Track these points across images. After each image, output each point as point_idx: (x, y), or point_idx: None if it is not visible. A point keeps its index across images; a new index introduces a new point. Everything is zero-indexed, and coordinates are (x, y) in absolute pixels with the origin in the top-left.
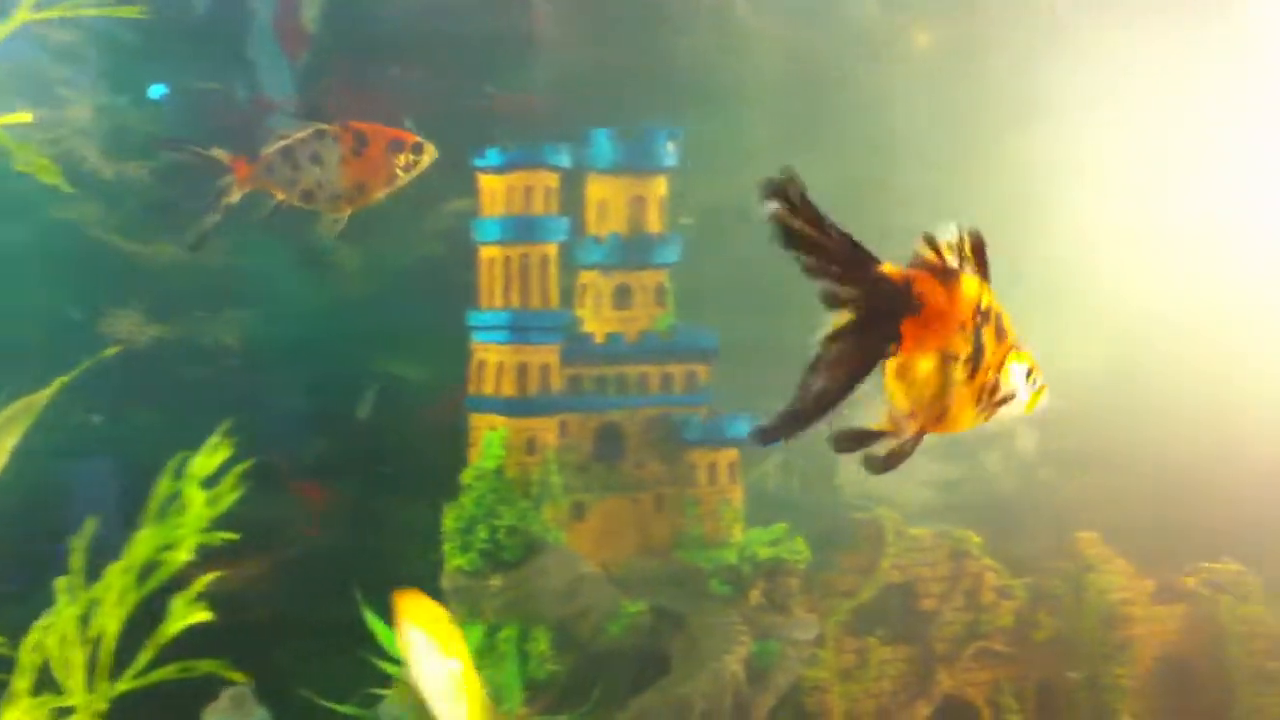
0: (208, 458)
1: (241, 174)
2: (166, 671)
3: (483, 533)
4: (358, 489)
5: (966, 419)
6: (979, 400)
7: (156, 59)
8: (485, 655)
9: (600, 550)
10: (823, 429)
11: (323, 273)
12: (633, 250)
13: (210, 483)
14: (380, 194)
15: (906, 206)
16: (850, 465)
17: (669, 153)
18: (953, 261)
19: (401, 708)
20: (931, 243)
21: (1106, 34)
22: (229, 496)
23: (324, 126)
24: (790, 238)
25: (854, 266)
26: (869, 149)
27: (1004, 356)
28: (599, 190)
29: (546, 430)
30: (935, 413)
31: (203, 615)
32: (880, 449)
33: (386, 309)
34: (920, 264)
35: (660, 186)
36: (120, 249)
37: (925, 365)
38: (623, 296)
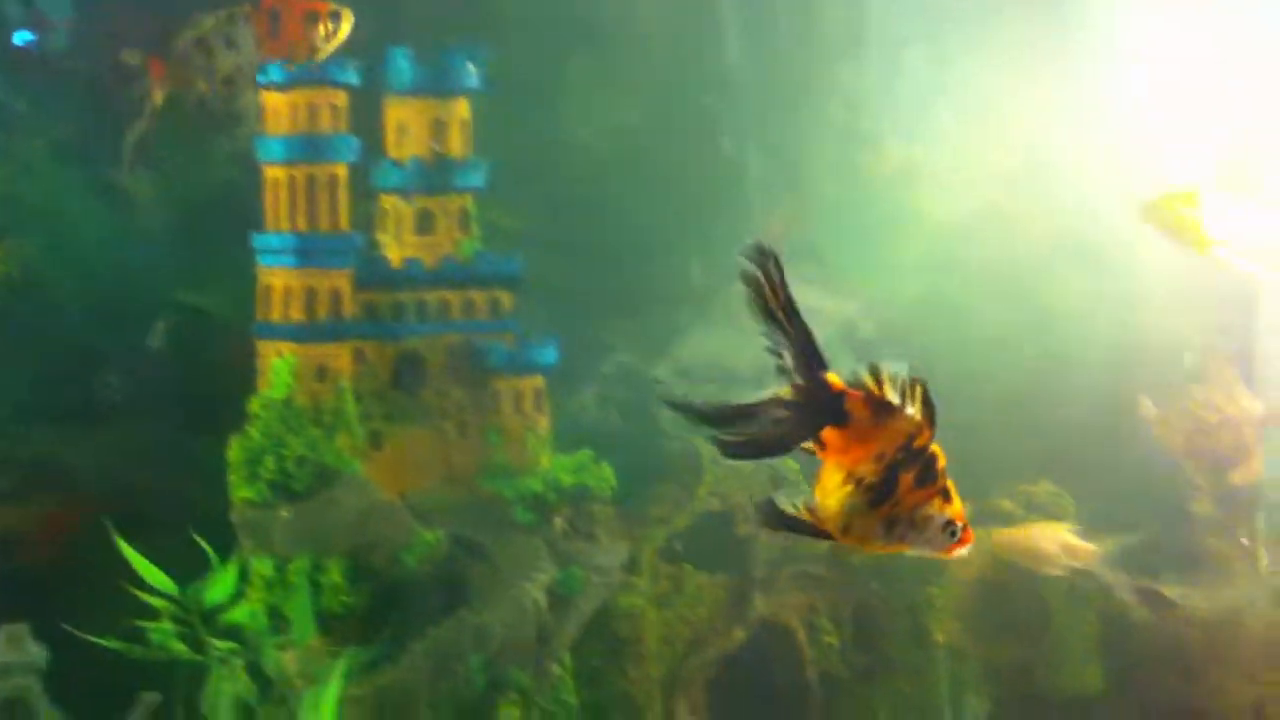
0: None
1: (157, 73)
2: None
3: (270, 463)
4: (150, 422)
5: (869, 542)
6: (883, 530)
7: None
8: (276, 588)
9: (400, 480)
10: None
11: (113, 201)
12: (434, 174)
13: None
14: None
15: (738, 138)
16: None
17: (471, 74)
18: (893, 397)
19: None
20: (875, 373)
21: None
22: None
23: (234, 10)
24: (762, 311)
25: (804, 363)
26: (693, 80)
27: (921, 500)
28: (398, 112)
29: (338, 357)
30: (837, 524)
31: None
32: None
33: (180, 236)
34: (859, 385)
35: (462, 109)
36: None
37: (833, 478)
38: (425, 222)
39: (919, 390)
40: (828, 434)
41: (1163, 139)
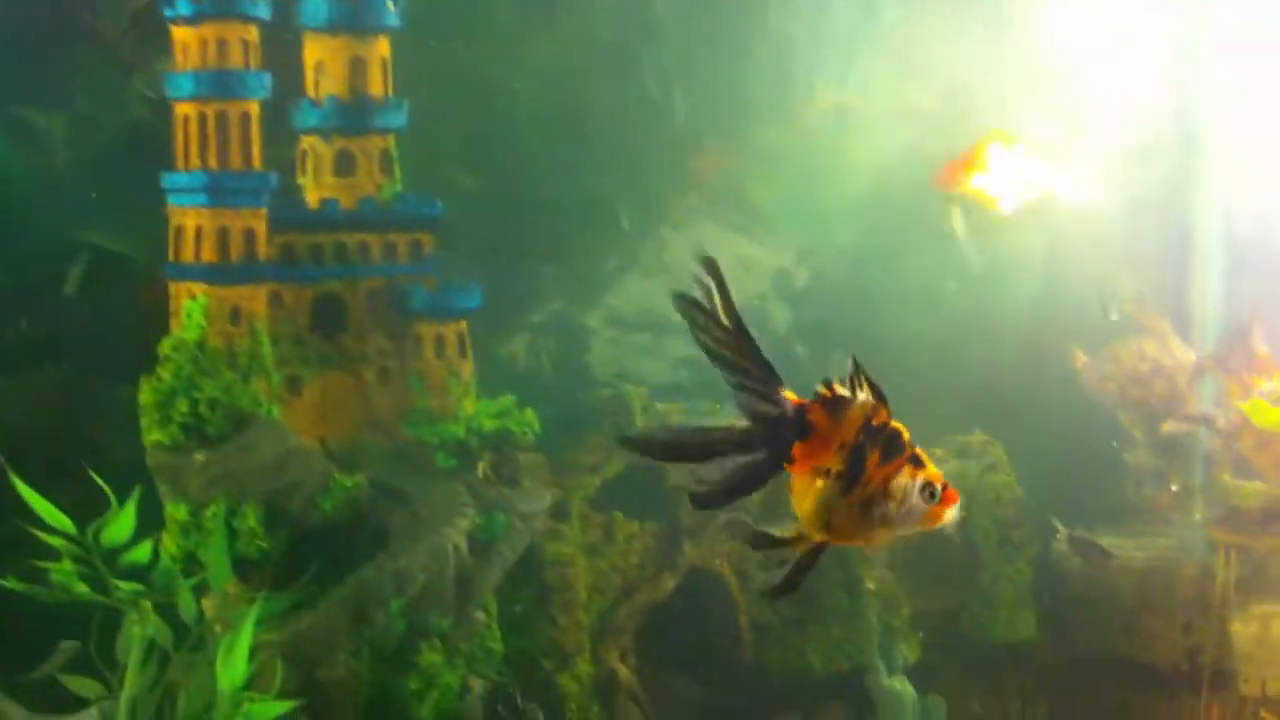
0: None
1: None
2: None
3: (182, 406)
4: (62, 366)
5: (855, 532)
6: (862, 514)
7: None
8: (191, 533)
9: (319, 425)
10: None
11: (24, 140)
12: (354, 115)
13: None
14: None
15: (666, 83)
16: (600, 344)
17: (390, 12)
18: (843, 391)
19: None
20: (827, 384)
21: None
22: None
23: None
24: (712, 353)
25: (764, 390)
26: (621, 24)
27: (891, 472)
28: (315, 50)
29: (253, 299)
30: (819, 525)
31: None
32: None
33: (93, 177)
34: (816, 396)
35: (382, 47)
36: None
37: (803, 483)
38: (344, 163)
39: (863, 377)
40: (795, 449)
41: (1088, 85)
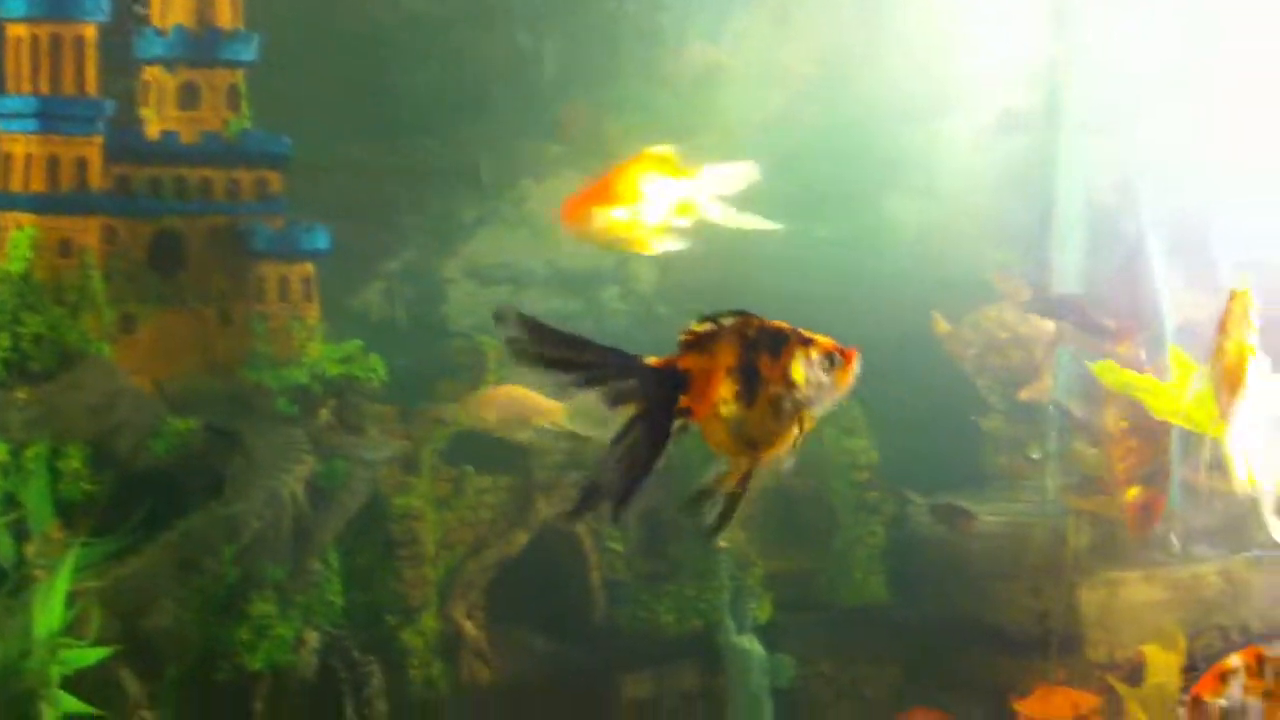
0: None
1: None
2: None
3: (4, 340)
4: None
5: (776, 435)
6: (775, 415)
7: None
8: (11, 474)
9: (154, 366)
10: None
11: None
12: (200, 46)
13: None
14: None
15: (534, 32)
16: (457, 295)
17: None
18: (707, 328)
19: None
20: (686, 330)
21: None
22: None
23: None
24: (545, 365)
25: (622, 369)
26: None
27: (786, 362)
28: None
29: (85, 232)
30: (741, 448)
31: None
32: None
33: None
34: (680, 346)
35: None
36: None
37: (710, 423)
38: (189, 96)
39: (719, 317)
40: (684, 401)
41: (963, 54)
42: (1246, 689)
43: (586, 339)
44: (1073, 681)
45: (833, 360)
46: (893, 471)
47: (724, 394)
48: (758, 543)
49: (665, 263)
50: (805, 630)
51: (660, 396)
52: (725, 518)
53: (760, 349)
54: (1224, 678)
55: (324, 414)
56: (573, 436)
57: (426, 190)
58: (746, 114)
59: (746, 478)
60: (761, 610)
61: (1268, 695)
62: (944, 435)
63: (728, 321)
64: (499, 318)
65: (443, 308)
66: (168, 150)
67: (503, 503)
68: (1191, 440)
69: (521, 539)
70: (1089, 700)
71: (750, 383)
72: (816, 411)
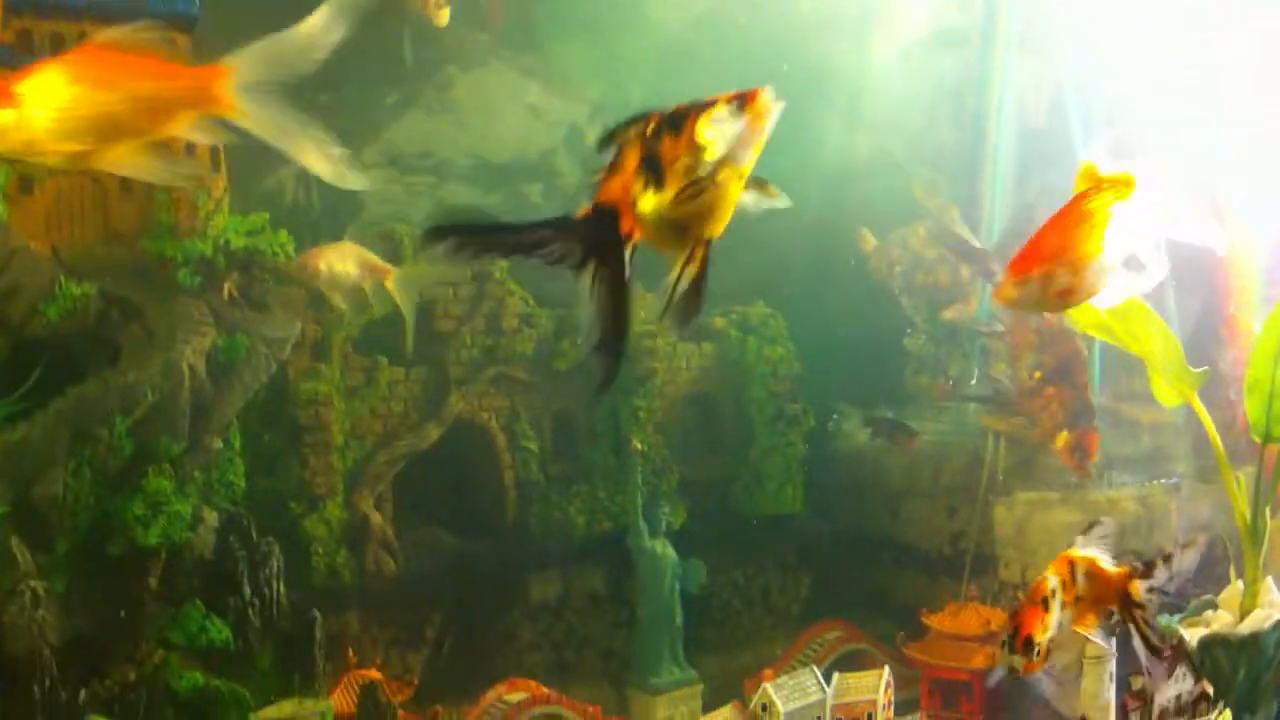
0: None
1: None
2: None
3: None
4: None
5: (711, 203)
6: (695, 186)
7: None
8: None
9: (52, 231)
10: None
11: None
12: None
13: None
14: None
15: None
16: (375, 181)
17: None
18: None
19: None
20: (593, 172)
21: None
22: None
23: None
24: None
25: (557, 231)
26: None
27: (689, 133)
28: None
29: None
30: (678, 232)
31: None
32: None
33: None
34: (595, 189)
35: None
36: None
37: (642, 230)
38: None
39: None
40: (624, 227)
41: None
42: (1063, 604)
43: (513, 223)
44: (985, 599)
45: (740, 103)
46: (815, 385)
47: (635, 191)
48: (674, 449)
49: (590, 160)
50: (718, 538)
51: (601, 237)
52: (697, 297)
53: (661, 135)
54: (1046, 604)
55: (227, 288)
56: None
57: (345, 71)
58: (675, 9)
59: (701, 258)
60: (676, 516)
61: (1078, 601)
62: (868, 352)
63: (629, 131)
64: (432, 238)
65: (359, 194)
66: (68, 4)
67: (415, 395)
68: (1108, 371)
69: (433, 433)
70: (999, 617)
71: (656, 169)
72: (743, 156)
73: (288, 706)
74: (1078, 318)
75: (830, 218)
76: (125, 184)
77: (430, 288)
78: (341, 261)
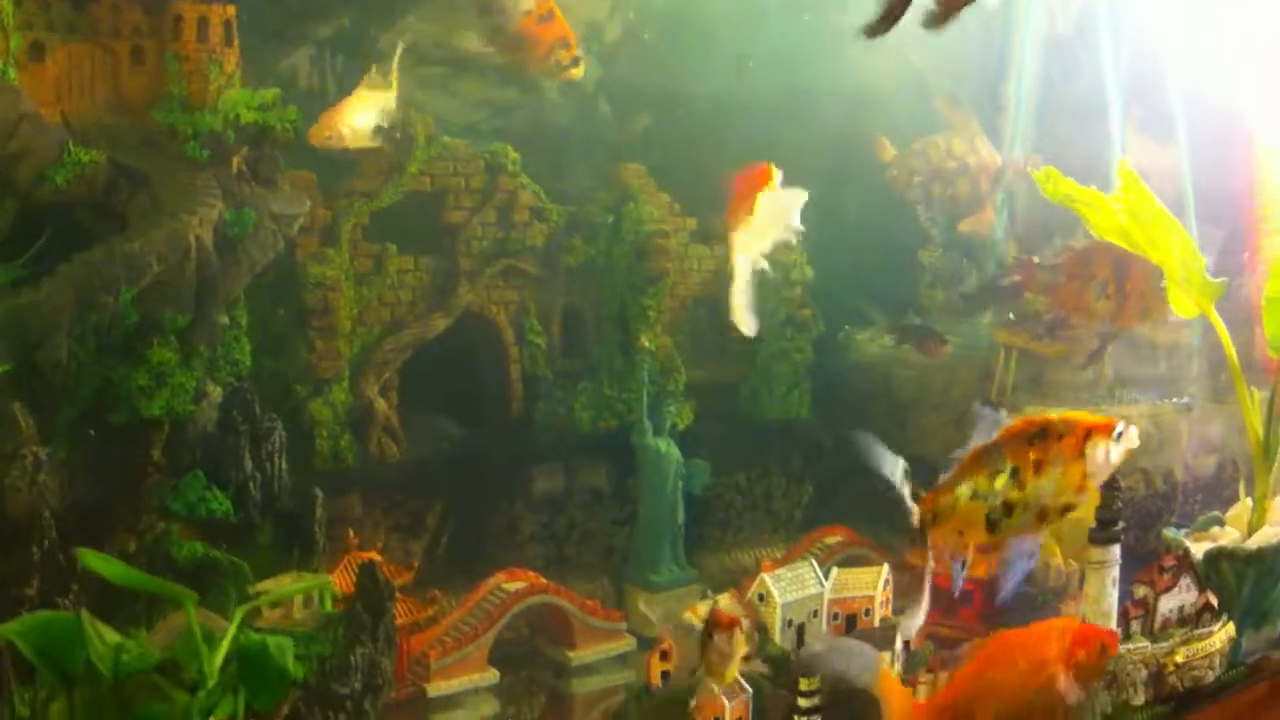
0: None
1: None
2: None
3: None
4: None
5: None
6: None
7: None
8: None
9: (62, 99)
10: None
11: None
12: None
13: None
14: None
15: None
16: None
17: None
18: None
19: None
20: None
21: None
22: None
23: None
24: None
25: None
26: None
27: None
28: None
29: None
30: None
31: None
32: None
33: None
34: None
35: None
36: None
37: None
38: None
39: None
40: None
41: None
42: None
43: None
44: None
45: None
46: (827, 292)
47: None
48: (683, 350)
49: (608, 58)
50: (723, 440)
51: None
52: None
53: None
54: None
55: (236, 162)
56: None
57: None
58: None
59: None
60: (681, 417)
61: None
62: (882, 262)
63: None
64: None
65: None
66: None
67: (424, 285)
68: None
69: (440, 324)
70: None
71: None
72: None
73: (286, 579)
74: (1094, 220)
75: (848, 127)
76: (137, 54)
77: (442, 176)
78: (364, 110)
